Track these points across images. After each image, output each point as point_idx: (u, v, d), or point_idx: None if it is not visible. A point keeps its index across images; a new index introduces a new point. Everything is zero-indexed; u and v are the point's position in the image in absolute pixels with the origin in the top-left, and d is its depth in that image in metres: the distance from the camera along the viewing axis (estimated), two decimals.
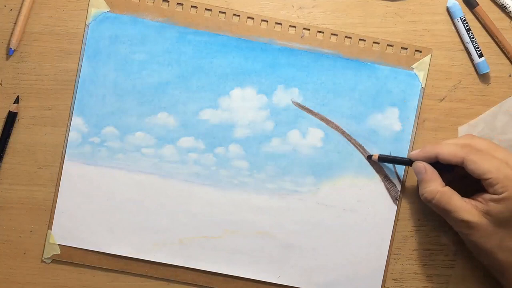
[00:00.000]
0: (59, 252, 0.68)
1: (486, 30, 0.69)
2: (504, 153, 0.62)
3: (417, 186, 0.68)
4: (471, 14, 0.69)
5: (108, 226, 0.68)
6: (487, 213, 0.61)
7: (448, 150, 0.63)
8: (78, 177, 0.68)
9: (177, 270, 0.68)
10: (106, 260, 0.68)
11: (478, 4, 0.69)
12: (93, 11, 0.67)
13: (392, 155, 0.68)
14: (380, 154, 0.67)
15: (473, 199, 0.63)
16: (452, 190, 0.63)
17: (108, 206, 0.68)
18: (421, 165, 0.64)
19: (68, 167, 0.68)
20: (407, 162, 0.66)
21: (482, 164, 0.61)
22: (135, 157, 0.68)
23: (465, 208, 0.62)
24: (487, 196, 0.61)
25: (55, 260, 0.68)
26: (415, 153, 0.65)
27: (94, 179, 0.68)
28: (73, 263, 0.68)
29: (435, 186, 0.63)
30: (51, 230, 0.68)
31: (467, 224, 0.62)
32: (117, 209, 0.68)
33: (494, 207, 0.61)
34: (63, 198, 0.68)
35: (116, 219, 0.68)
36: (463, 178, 0.64)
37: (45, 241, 0.68)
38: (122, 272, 0.68)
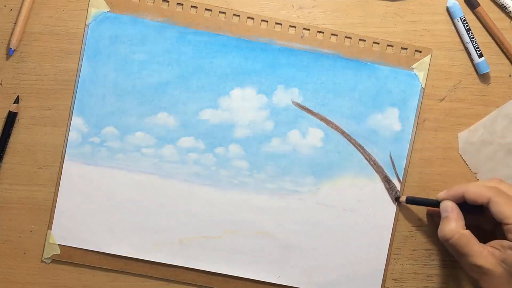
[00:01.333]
0: (59, 252, 0.68)
1: (487, 30, 0.69)
2: None
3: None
4: (471, 14, 0.69)
5: (108, 226, 0.68)
6: (503, 261, 0.61)
7: (476, 189, 0.63)
8: (78, 177, 0.68)
9: (177, 270, 0.68)
10: (106, 260, 0.68)
11: (479, 5, 0.69)
12: (93, 11, 0.67)
13: (420, 197, 0.68)
14: (407, 196, 0.68)
15: (490, 245, 0.62)
16: (472, 234, 0.62)
17: (108, 206, 0.68)
18: (449, 204, 0.64)
19: (68, 167, 0.68)
20: (435, 204, 0.66)
21: (507, 208, 0.61)
22: (135, 157, 0.68)
23: (482, 254, 0.61)
24: (505, 243, 0.61)
25: (55, 260, 0.68)
26: (443, 193, 0.65)
27: (94, 179, 0.68)
28: (73, 263, 0.68)
29: (456, 227, 0.62)
30: (51, 230, 0.68)
31: (481, 270, 0.61)
32: (117, 209, 0.68)
33: (510, 255, 0.60)
34: (63, 198, 0.68)
35: (116, 219, 0.68)
36: (482, 224, 0.65)
37: (45, 241, 0.68)
38: (122, 272, 0.68)
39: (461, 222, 0.63)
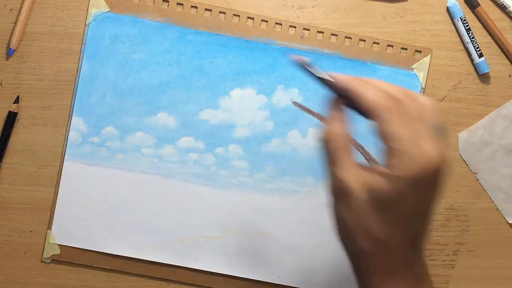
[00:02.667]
0: (59, 252, 0.68)
1: (487, 30, 0.69)
2: (428, 128, 0.48)
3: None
4: (471, 14, 0.69)
5: (108, 226, 0.68)
6: (368, 188, 0.48)
7: (371, 100, 0.49)
8: (78, 177, 0.68)
9: (177, 270, 0.68)
10: (106, 260, 0.68)
11: (479, 5, 0.69)
12: (93, 11, 0.67)
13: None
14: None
15: (362, 166, 0.49)
16: (349, 143, 0.50)
17: (108, 206, 0.68)
18: (337, 102, 0.52)
19: (68, 167, 0.68)
20: (328, 83, 0.53)
21: (398, 129, 0.48)
22: (135, 157, 0.68)
23: (350, 168, 0.49)
24: (380, 168, 0.48)
25: (55, 260, 0.68)
26: (340, 78, 0.52)
27: (94, 179, 0.68)
28: (73, 263, 0.68)
29: (336, 127, 0.51)
30: (51, 230, 0.68)
31: (342, 186, 0.49)
32: (117, 209, 0.68)
33: (380, 182, 0.47)
34: (63, 198, 0.68)
35: (116, 219, 0.68)
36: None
37: (45, 241, 0.68)
38: (122, 272, 0.68)
39: (345, 124, 0.51)
